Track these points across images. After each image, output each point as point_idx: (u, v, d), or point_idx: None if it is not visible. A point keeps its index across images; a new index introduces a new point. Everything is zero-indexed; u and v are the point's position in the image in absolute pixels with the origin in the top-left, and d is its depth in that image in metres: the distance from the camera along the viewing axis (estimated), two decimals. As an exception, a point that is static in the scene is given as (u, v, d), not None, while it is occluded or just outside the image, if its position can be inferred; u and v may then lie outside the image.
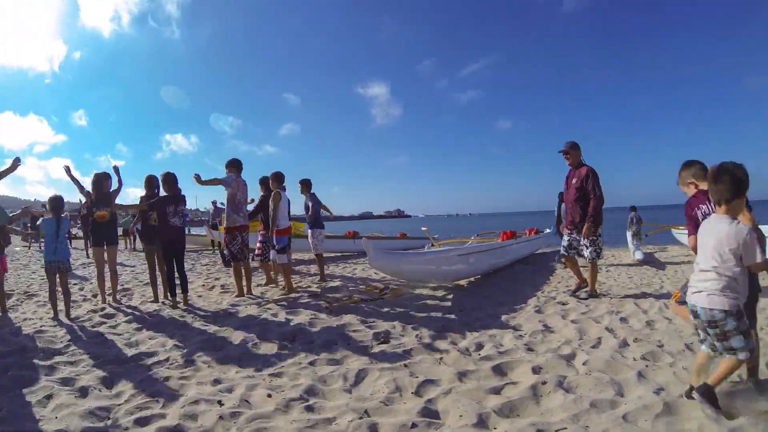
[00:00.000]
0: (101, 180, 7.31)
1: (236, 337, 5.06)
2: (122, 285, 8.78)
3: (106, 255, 7.26)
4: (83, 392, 3.58)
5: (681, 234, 15.04)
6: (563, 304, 6.49)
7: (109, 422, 3.08)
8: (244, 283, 7.64)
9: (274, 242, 7.92)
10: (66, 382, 3.77)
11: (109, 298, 7.26)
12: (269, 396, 3.44)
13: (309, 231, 9.47)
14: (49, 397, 3.46)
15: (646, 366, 3.81)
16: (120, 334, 5.27)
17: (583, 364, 3.90)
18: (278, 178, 8.08)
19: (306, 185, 9.51)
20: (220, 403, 3.34)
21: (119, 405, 3.32)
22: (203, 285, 8.98)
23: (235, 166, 7.70)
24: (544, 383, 3.51)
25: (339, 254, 15.83)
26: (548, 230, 17.35)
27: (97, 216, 7.14)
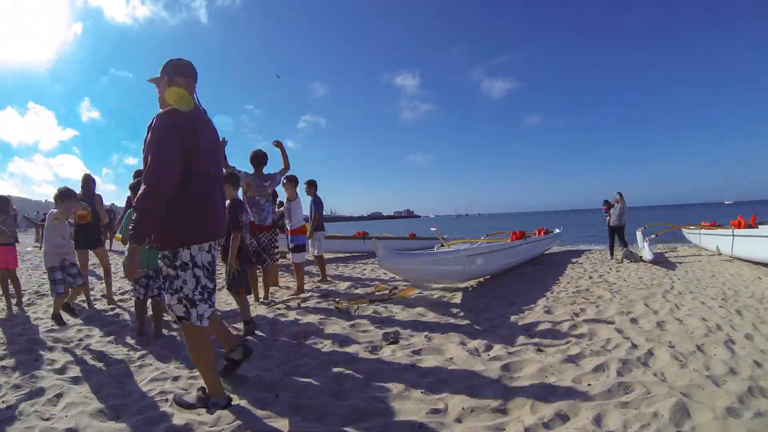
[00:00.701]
0: (88, 182, 7.40)
1: (246, 336, 5.08)
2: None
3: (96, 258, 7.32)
4: (93, 391, 3.61)
5: (691, 234, 14.98)
6: (573, 304, 6.47)
7: (119, 421, 3.10)
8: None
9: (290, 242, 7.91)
10: (76, 380, 3.81)
11: (106, 300, 7.25)
12: (277, 396, 3.46)
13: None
14: (59, 395, 3.50)
15: (658, 367, 3.80)
16: (128, 334, 5.31)
17: (593, 365, 3.89)
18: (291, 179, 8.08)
19: (312, 186, 9.51)
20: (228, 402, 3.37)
21: (129, 404, 3.34)
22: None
23: (252, 160, 7.60)
24: (553, 384, 3.51)
25: (348, 254, 15.84)
26: (557, 230, 17.32)
27: (78, 215, 7.09)
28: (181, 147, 2.91)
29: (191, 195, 3.01)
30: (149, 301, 5.39)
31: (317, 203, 9.47)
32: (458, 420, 3.03)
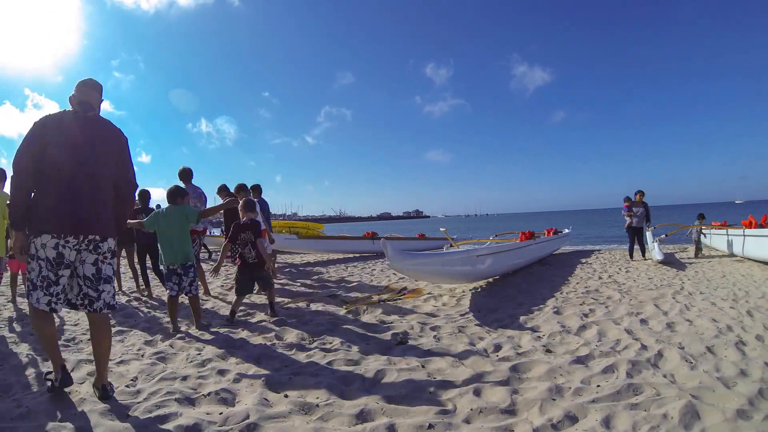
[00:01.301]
0: None
1: (254, 337, 5.11)
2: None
3: None
4: (103, 389, 3.63)
5: (702, 233, 14.89)
6: (582, 305, 6.45)
7: (128, 419, 3.13)
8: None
9: None
10: (84, 379, 3.82)
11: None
12: (286, 396, 3.47)
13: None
14: (68, 393, 3.52)
15: (667, 369, 3.78)
16: (137, 333, 5.34)
17: (602, 366, 3.88)
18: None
19: (257, 190, 9.96)
20: (236, 403, 3.39)
21: (139, 403, 3.36)
22: (222, 285, 9.02)
23: (180, 176, 8.30)
24: (562, 385, 3.50)
25: (357, 255, 15.87)
26: (567, 230, 17.26)
27: None
28: (32, 146, 3.32)
29: (40, 192, 3.35)
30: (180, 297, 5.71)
31: (265, 206, 9.96)
32: (467, 421, 3.03)
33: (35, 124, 3.38)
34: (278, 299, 7.31)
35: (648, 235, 13.81)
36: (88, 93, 3.62)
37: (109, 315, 3.75)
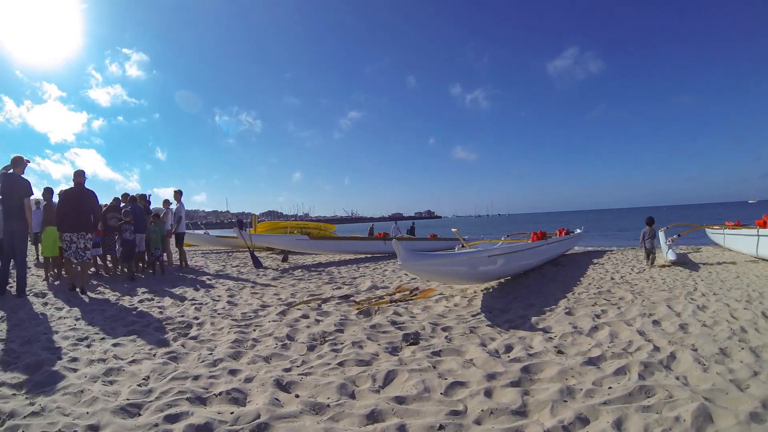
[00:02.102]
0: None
1: (265, 337, 5.14)
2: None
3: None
4: (115, 388, 3.67)
5: (715, 234, 14.78)
6: (594, 305, 6.42)
7: (139, 418, 3.15)
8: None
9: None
10: (96, 378, 3.87)
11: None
12: (297, 396, 3.49)
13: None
14: (81, 392, 3.56)
15: (680, 371, 3.76)
16: (149, 333, 5.39)
17: (614, 368, 3.86)
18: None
19: (179, 194, 12.47)
20: (247, 402, 3.41)
21: (150, 402, 3.39)
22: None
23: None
24: (573, 386, 3.49)
25: (370, 255, 15.89)
26: (579, 230, 17.18)
27: None
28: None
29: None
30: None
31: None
32: (477, 422, 3.03)
33: (61, 193, 8.46)
34: (291, 300, 7.36)
35: (660, 235, 13.72)
36: (78, 176, 8.31)
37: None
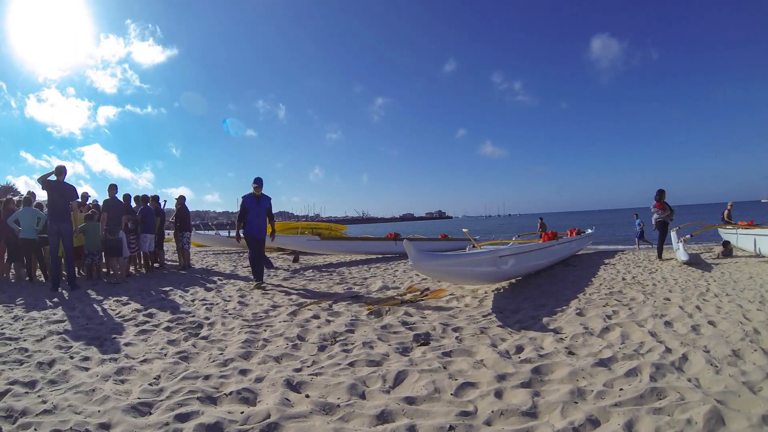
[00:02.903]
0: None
1: (276, 337, 5.16)
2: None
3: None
4: (126, 387, 3.71)
5: (728, 234, 14.66)
6: (605, 306, 6.39)
7: (150, 417, 3.18)
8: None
9: None
10: (108, 377, 3.92)
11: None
12: (307, 396, 3.50)
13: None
14: (93, 390, 3.60)
15: (692, 372, 3.74)
16: (160, 333, 5.43)
17: (625, 369, 3.84)
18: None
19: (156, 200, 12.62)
20: (257, 402, 3.43)
21: (161, 401, 3.42)
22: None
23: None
24: (584, 388, 3.48)
25: (380, 256, 15.90)
26: (590, 230, 17.13)
27: None
28: None
29: None
30: None
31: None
32: (487, 423, 3.03)
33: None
34: (302, 300, 7.39)
35: (672, 235, 13.62)
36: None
37: None
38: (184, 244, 12.81)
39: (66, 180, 8.88)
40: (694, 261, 11.38)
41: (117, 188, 10.70)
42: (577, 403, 3.23)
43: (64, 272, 9.13)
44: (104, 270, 10.86)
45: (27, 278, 10.01)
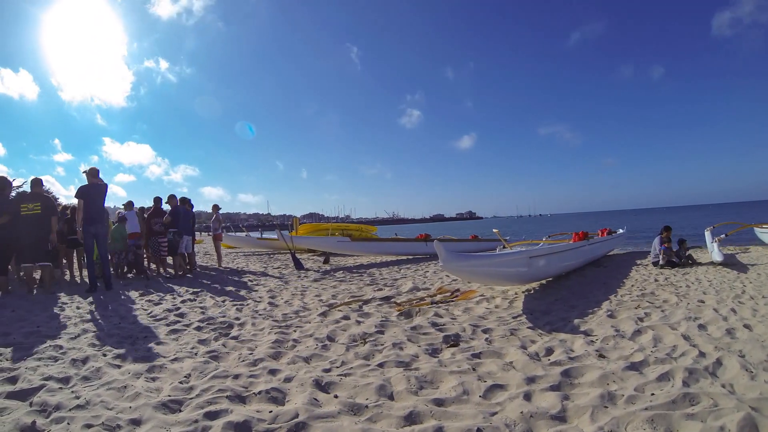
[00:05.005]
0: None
1: (306, 338, 5.20)
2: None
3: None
4: (157, 385, 3.79)
5: (765, 233, 14.32)
6: (637, 308, 6.31)
7: (180, 414, 3.25)
8: None
9: None
10: (139, 374, 4.01)
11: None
12: (335, 397, 3.53)
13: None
14: (124, 387, 3.69)
15: (726, 378, 3.68)
16: (191, 333, 5.54)
17: (657, 374, 3.79)
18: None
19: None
20: (285, 402, 3.47)
21: (191, 399, 3.48)
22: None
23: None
24: (614, 392, 3.45)
25: (411, 257, 15.91)
26: (621, 230, 16.88)
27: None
28: None
29: None
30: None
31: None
32: (515, 426, 3.02)
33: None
34: (332, 301, 7.44)
35: (707, 235, 13.36)
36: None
37: None
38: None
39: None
40: (729, 262, 11.13)
41: (175, 197, 11.69)
42: (607, 407, 3.21)
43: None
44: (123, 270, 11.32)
45: (66, 278, 10.39)
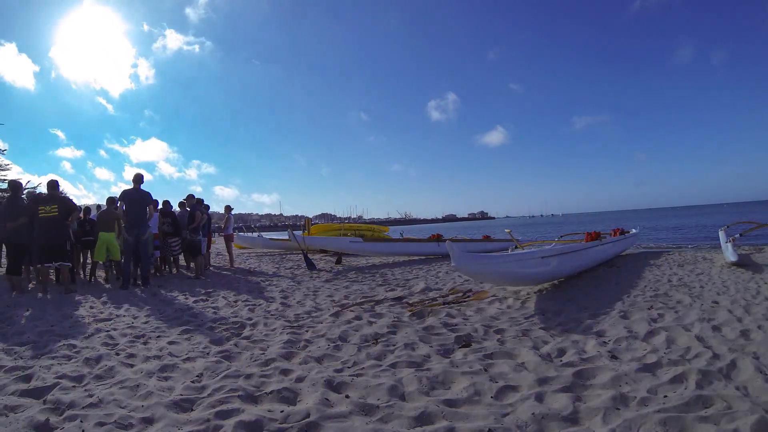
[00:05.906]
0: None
1: (318, 338, 5.22)
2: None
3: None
4: (169, 384, 3.82)
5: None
6: (650, 309, 6.27)
7: (192, 413, 3.28)
8: None
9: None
10: (152, 374, 4.05)
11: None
12: (347, 397, 3.54)
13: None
14: (137, 386, 3.74)
15: (740, 380, 3.65)
16: (204, 332, 5.58)
17: (670, 376, 3.76)
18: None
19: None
20: (297, 401, 3.49)
21: (202, 398, 3.51)
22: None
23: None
24: (627, 394, 3.43)
25: (423, 257, 15.90)
26: (634, 230, 16.79)
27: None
28: None
29: None
30: None
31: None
32: (527, 427, 3.01)
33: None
34: (345, 302, 7.46)
35: (721, 234, 13.23)
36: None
37: None
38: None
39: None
40: (744, 262, 11.02)
41: (193, 197, 12.01)
42: (619, 409, 3.19)
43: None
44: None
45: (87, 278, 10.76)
